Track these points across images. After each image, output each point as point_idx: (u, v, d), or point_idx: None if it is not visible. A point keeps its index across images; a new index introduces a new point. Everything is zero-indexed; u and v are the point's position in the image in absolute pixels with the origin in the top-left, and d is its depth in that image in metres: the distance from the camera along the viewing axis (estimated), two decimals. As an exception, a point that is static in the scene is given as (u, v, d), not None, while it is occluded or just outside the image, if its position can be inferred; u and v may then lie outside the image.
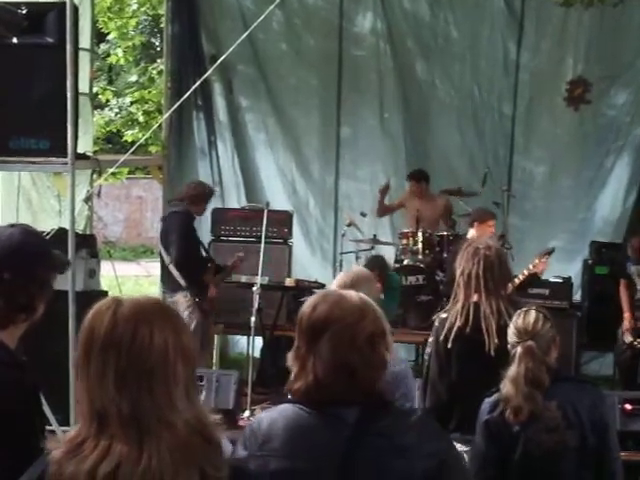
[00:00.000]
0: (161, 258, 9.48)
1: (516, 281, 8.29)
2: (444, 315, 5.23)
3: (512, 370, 4.16)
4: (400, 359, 4.60)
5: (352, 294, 2.83)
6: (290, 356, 2.83)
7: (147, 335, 2.21)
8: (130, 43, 16.46)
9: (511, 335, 4.26)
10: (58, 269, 3.30)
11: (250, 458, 2.68)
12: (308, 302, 2.83)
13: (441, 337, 5.09)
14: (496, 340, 4.86)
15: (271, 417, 2.78)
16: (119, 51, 16.65)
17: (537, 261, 8.30)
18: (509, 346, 4.27)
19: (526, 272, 8.38)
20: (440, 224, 10.47)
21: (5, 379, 2.83)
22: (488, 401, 4.26)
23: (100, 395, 2.19)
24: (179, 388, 2.22)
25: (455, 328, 5.03)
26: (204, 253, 9.62)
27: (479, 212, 9.34)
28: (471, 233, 8.99)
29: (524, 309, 4.35)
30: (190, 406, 2.24)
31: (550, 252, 8.51)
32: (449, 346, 5.04)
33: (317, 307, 2.77)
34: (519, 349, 4.16)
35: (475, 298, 5.08)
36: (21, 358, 3.00)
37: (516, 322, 4.26)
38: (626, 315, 9.03)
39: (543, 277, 9.31)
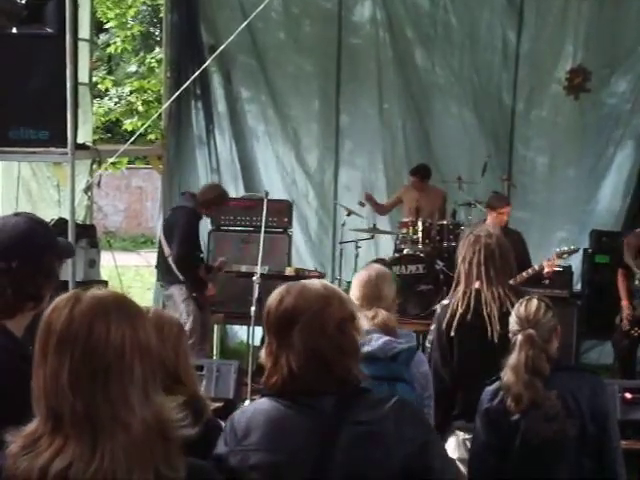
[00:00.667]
0: (160, 247, 9.48)
1: (524, 275, 8.33)
2: (446, 302, 5.25)
3: (512, 358, 4.16)
4: (423, 360, 4.61)
5: (315, 282, 2.84)
6: (262, 352, 2.84)
7: (103, 332, 2.14)
8: (129, 32, 16.48)
9: (512, 323, 4.26)
10: (64, 256, 3.30)
11: (230, 454, 2.70)
12: (272, 296, 2.83)
13: (443, 324, 5.10)
14: (498, 327, 4.87)
15: (249, 412, 2.80)
16: (118, 40, 16.69)
17: (553, 261, 8.31)
18: (510, 334, 4.27)
19: (537, 268, 8.38)
20: (436, 215, 10.46)
21: (8, 366, 2.83)
22: (488, 389, 4.27)
23: (54, 394, 2.14)
24: (136, 386, 2.16)
25: (457, 315, 5.04)
26: (200, 254, 9.63)
27: (491, 199, 9.38)
28: (488, 219, 9.05)
29: (526, 298, 4.35)
30: (148, 404, 2.18)
31: (572, 252, 8.51)
32: (451, 333, 5.06)
33: (282, 300, 2.77)
34: (520, 337, 4.16)
35: (477, 285, 5.09)
36: (27, 347, 3.00)
37: (518, 310, 4.27)
38: (624, 303, 9.04)
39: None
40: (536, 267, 8.39)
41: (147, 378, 2.20)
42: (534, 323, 4.17)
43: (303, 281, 2.91)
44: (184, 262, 9.04)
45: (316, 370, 2.70)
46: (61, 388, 2.13)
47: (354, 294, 4.56)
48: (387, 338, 4.26)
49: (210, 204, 9.31)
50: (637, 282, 9.01)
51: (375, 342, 4.23)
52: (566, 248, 8.49)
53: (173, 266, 9.06)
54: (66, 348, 2.14)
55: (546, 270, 8.39)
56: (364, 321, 4.42)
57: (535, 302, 4.27)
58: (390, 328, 4.36)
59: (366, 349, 4.30)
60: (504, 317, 4.72)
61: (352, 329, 2.77)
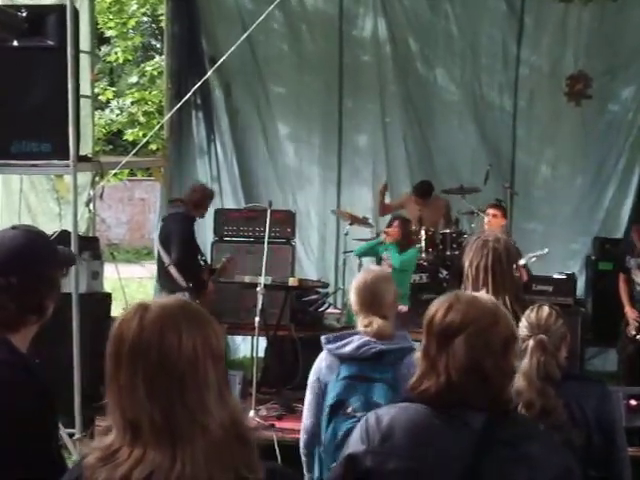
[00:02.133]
0: (158, 258, 9.50)
1: None
2: None
3: (524, 364, 4.14)
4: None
5: (484, 296, 2.83)
6: (418, 355, 2.80)
7: (175, 340, 2.14)
8: (129, 43, 16.52)
9: (523, 329, 4.24)
10: (66, 265, 3.29)
11: (368, 454, 2.65)
12: (439, 302, 2.80)
13: None
14: None
15: (392, 414, 2.75)
16: (118, 50, 16.73)
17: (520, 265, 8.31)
18: (519, 341, 4.26)
19: None
20: (440, 224, 10.46)
21: (15, 381, 2.82)
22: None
23: (131, 405, 2.13)
24: (211, 390, 2.16)
25: None
26: (200, 257, 9.64)
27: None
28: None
29: (537, 305, 4.35)
30: (224, 407, 2.18)
31: (540, 256, 8.51)
32: None
33: (451, 308, 2.74)
34: (531, 342, 4.14)
35: (483, 291, 5.07)
36: (33, 361, 2.99)
37: (529, 316, 4.25)
38: (627, 309, 9.04)
39: (546, 274, 9.35)
40: (515, 271, 8.34)
41: (221, 381, 2.20)
42: (545, 329, 4.16)
43: (473, 293, 2.89)
44: (185, 265, 9.05)
45: (473, 384, 2.67)
46: (137, 398, 2.13)
47: (352, 299, 4.56)
48: (366, 339, 4.28)
49: (199, 205, 9.38)
50: (638, 286, 9.01)
51: (353, 343, 4.26)
52: (536, 253, 8.50)
53: (174, 272, 9.07)
54: (139, 359, 2.14)
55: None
56: (359, 326, 4.43)
57: (547, 309, 4.26)
58: (385, 336, 4.36)
59: (344, 350, 4.32)
60: None
61: (513, 351, 2.75)
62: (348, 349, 4.31)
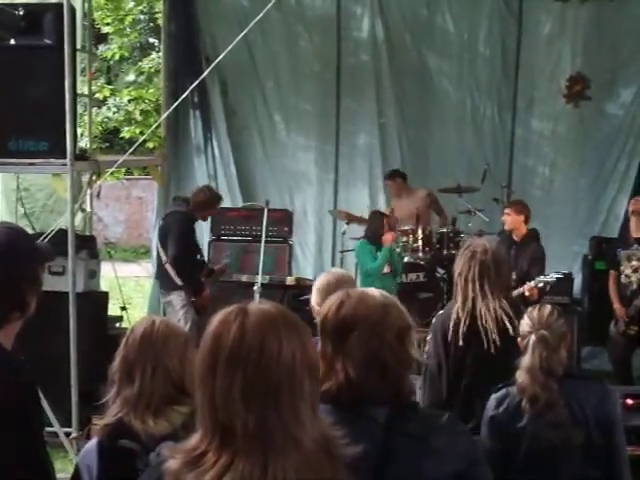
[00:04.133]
0: (157, 256, 9.50)
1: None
2: (441, 312, 5.28)
3: (526, 359, 4.16)
4: None
5: (374, 291, 2.81)
6: (324, 358, 2.78)
7: (275, 348, 2.11)
8: (126, 39, 16.55)
9: (524, 325, 4.27)
10: (46, 261, 3.29)
11: None
12: (330, 302, 2.80)
13: (439, 335, 5.12)
14: (497, 340, 4.89)
15: None
16: (115, 47, 16.77)
17: (532, 286, 8.34)
18: (519, 339, 4.28)
19: (518, 292, 8.38)
20: (433, 217, 10.41)
21: (1, 381, 2.82)
22: (494, 397, 4.27)
23: (226, 408, 2.09)
24: (306, 402, 2.12)
25: (452, 327, 5.05)
26: (199, 257, 9.63)
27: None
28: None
29: (539, 304, 4.40)
30: (316, 420, 2.15)
31: (547, 286, 8.52)
32: (448, 343, 5.07)
33: (342, 305, 2.74)
34: (532, 337, 4.17)
35: (472, 299, 5.11)
36: (18, 357, 2.99)
37: (531, 313, 4.29)
38: (615, 306, 9.04)
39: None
40: (515, 292, 8.37)
41: (314, 394, 2.17)
42: (546, 326, 4.19)
43: (361, 288, 2.90)
44: (180, 263, 9.03)
45: (374, 378, 2.68)
46: (233, 403, 2.08)
47: (314, 300, 4.57)
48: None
49: (202, 207, 9.33)
50: (623, 277, 9.00)
51: None
52: (547, 279, 8.49)
53: (170, 270, 9.06)
54: (238, 363, 2.10)
55: (527, 294, 8.39)
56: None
57: (549, 307, 4.31)
58: None
59: None
60: (503, 332, 4.84)
61: (409, 340, 2.75)
62: None
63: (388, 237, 9.51)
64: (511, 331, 4.85)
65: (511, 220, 9.14)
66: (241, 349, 2.11)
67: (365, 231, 9.93)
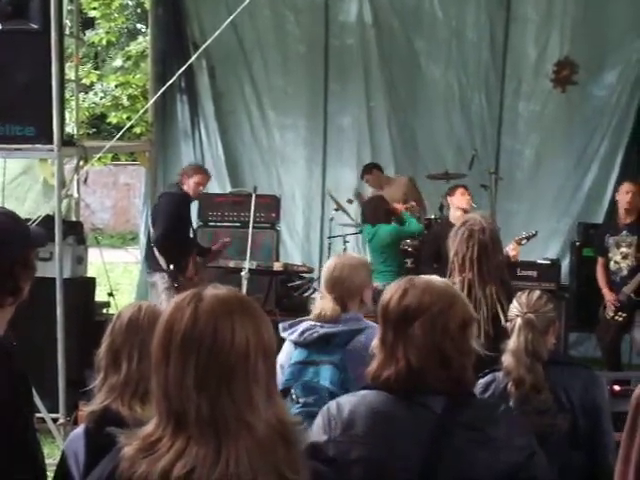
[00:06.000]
0: (148, 237, 9.47)
1: None
2: None
3: (512, 342, 4.16)
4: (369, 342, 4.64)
5: (438, 280, 2.82)
6: (375, 343, 2.79)
7: (228, 333, 2.11)
8: (113, 24, 16.47)
9: (512, 309, 4.27)
10: (39, 245, 3.27)
11: (330, 443, 2.64)
12: (393, 289, 2.80)
13: None
14: (488, 327, 4.88)
15: (352, 402, 2.74)
16: (102, 32, 16.69)
17: (514, 246, 8.29)
18: (508, 324, 4.28)
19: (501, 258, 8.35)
20: (408, 202, 10.43)
21: None
22: (480, 382, 4.26)
23: (179, 394, 2.09)
24: (260, 386, 2.13)
25: None
26: (193, 236, 9.60)
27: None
28: (452, 208, 9.05)
29: (529, 289, 4.39)
30: (271, 405, 2.14)
31: (530, 237, 8.48)
32: None
33: (406, 293, 2.74)
34: (519, 321, 4.17)
35: (469, 282, 5.09)
36: (10, 343, 2.97)
37: (519, 297, 4.28)
38: (604, 291, 9.05)
39: (529, 259, 9.36)
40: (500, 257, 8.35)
41: (269, 378, 2.18)
42: (534, 310, 4.19)
43: (426, 277, 2.88)
44: (165, 244, 8.99)
45: (434, 367, 2.68)
46: (186, 388, 2.09)
47: (322, 283, 4.56)
48: (311, 324, 4.31)
49: (186, 176, 9.24)
50: (612, 263, 9.02)
51: (298, 330, 4.29)
52: (524, 234, 8.47)
53: (155, 252, 9.02)
54: (191, 348, 2.10)
55: (512, 254, 8.35)
56: (315, 311, 4.46)
57: (537, 292, 4.30)
58: (327, 319, 4.36)
59: (292, 337, 4.35)
60: (495, 320, 4.84)
61: (471, 332, 2.76)
62: (295, 335, 4.35)
63: (397, 206, 9.58)
64: (503, 320, 4.84)
65: (467, 199, 8.98)
66: (194, 334, 2.11)
67: (363, 215, 9.91)
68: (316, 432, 2.73)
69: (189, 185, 9.21)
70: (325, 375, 4.23)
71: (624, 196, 9.05)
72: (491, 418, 2.70)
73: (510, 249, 8.28)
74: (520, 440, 2.70)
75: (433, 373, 2.68)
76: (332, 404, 2.78)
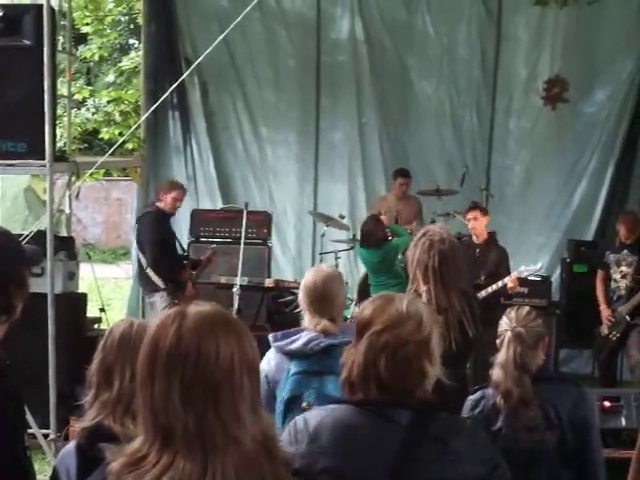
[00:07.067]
0: (138, 260, 9.49)
1: (489, 289, 8.39)
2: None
3: (501, 355, 4.19)
4: None
5: (403, 300, 2.81)
6: (346, 354, 2.83)
7: (213, 349, 2.13)
8: (105, 40, 16.52)
9: (502, 325, 4.30)
10: (33, 263, 3.26)
11: (297, 455, 2.63)
12: (365, 304, 2.84)
13: None
14: (457, 336, 4.94)
15: (319, 416, 2.77)
16: (94, 47, 16.73)
17: (514, 278, 8.34)
18: (498, 340, 4.30)
19: (500, 285, 8.41)
20: (414, 223, 10.46)
21: None
22: (470, 398, 4.29)
23: (165, 410, 2.11)
24: (245, 402, 2.15)
25: None
26: (181, 251, 9.63)
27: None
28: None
29: (518, 305, 4.45)
30: (256, 420, 2.17)
31: (534, 273, 8.54)
32: None
33: (366, 307, 2.79)
34: (508, 334, 4.20)
35: (434, 286, 5.15)
36: (4, 361, 2.97)
37: (509, 313, 4.33)
38: (602, 307, 9.07)
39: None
40: (499, 283, 8.41)
41: (254, 393, 2.19)
42: (524, 324, 4.22)
43: (395, 295, 2.90)
44: (159, 265, 9.07)
45: (371, 382, 2.70)
46: (172, 405, 2.10)
47: (301, 297, 4.56)
48: (313, 334, 4.32)
49: (163, 192, 9.31)
50: (612, 282, 9.04)
51: (302, 339, 4.29)
52: (531, 267, 8.51)
53: (151, 274, 9.06)
54: (176, 365, 2.12)
55: (509, 286, 8.41)
56: (307, 324, 4.47)
57: (527, 308, 4.35)
58: (330, 333, 4.38)
59: (292, 346, 4.35)
60: (461, 326, 4.95)
61: (419, 354, 2.75)
62: (297, 345, 4.34)
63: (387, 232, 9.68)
64: (467, 328, 4.95)
65: (479, 222, 9.00)
66: (178, 352, 2.13)
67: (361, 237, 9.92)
68: (283, 445, 2.75)
69: (166, 201, 9.28)
70: (333, 385, 4.22)
71: (627, 226, 9.08)
72: (455, 431, 2.71)
73: (509, 280, 8.33)
74: (483, 453, 2.72)
75: (369, 387, 2.70)
76: (299, 419, 2.81)
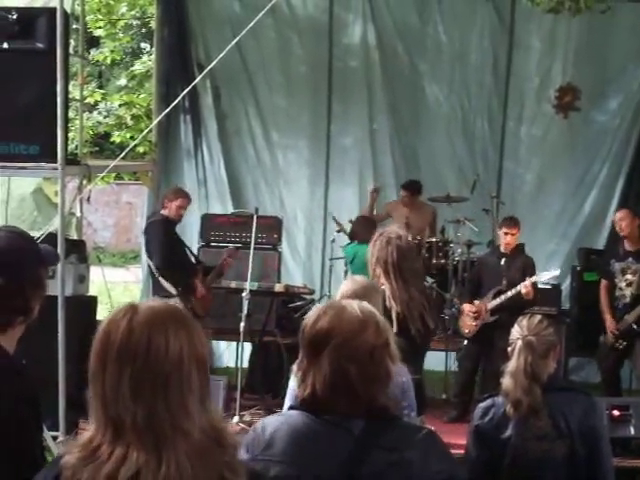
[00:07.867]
0: (149, 268, 9.52)
1: (502, 297, 8.41)
2: None
3: (511, 364, 4.19)
4: (405, 370, 4.62)
5: (354, 305, 2.77)
6: (295, 367, 2.81)
7: (162, 343, 2.18)
8: (118, 43, 16.55)
9: (514, 333, 4.30)
10: (50, 264, 3.28)
11: (251, 462, 2.65)
12: (310, 314, 2.79)
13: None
14: (419, 326, 5.21)
15: (276, 421, 2.77)
16: (106, 50, 16.77)
17: (528, 284, 8.36)
18: (509, 348, 4.30)
19: (514, 291, 8.44)
20: (426, 231, 10.45)
21: (3, 383, 2.80)
22: (480, 406, 4.28)
23: (115, 402, 2.16)
24: (194, 395, 2.19)
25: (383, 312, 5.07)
26: (191, 257, 9.64)
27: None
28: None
29: (530, 313, 4.47)
30: (204, 412, 2.22)
31: (551, 278, 8.55)
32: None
33: (319, 320, 2.72)
34: (519, 343, 4.20)
35: (394, 280, 5.29)
36: (20, 363, 2.98)
37: (521, 321, 4.33)
38: (606, 317, 9.05)
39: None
40: (513, 290, 8.44)
41: (203, 387, 2.24)
42: (534, 333, 4.21)
43: (344, 302, 2.85)
44: (168, 271, 9.10)
45: (341, 394, 2.66)
46: (122, 397, 2.15)
47: None
48: None
49: (168, 200, 9.35)
50: (617, 290, 9.02)
51: None
52: (546, 273, 8.53)
53: (162, 282, 9.09)
54: (127, 359, 2.17)
55: (524, 291, 8.44)
56: None
57: (538, 317, 4.35)
58: None
59: None
60: (422, 318, 5.25)
61: (385, 357, 2.72)
62: None
63: None
64: (428, 320, 5.24)
65: (514, 238, 8.99)
66: (129, 345, 2.18)
67: (352, 233, 9.99)
68: (240, 450, 2.77)
69: (171, 208, 9.33)
70: None
71: (617, 224, 9.11)
72: (409, 441, 2.68)
73: (524, 286, 8.35)
74: (437, 465, 2.67)
75: (340, 400, 2.67)
76: (258, 424, 2.82)
